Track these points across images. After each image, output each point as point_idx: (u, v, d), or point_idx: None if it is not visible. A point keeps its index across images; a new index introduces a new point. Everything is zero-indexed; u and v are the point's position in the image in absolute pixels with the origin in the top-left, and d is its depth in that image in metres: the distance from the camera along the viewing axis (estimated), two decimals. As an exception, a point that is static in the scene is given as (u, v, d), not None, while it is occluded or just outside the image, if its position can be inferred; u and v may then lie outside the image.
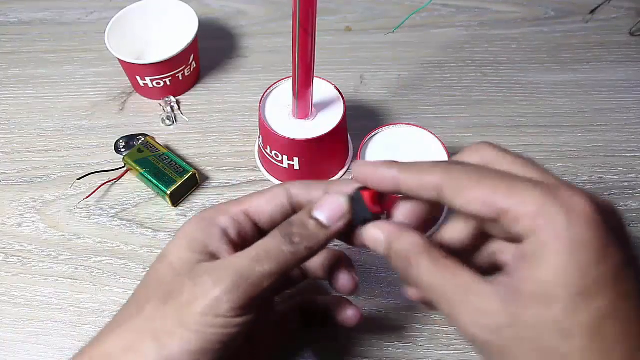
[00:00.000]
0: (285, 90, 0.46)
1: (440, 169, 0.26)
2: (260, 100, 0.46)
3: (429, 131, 0.43)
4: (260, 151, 0.50)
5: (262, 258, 0.28)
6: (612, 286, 0.22)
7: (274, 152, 0.46)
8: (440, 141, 0.43)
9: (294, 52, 0.39)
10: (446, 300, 0.25)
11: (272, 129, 0.45)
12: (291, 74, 0.41)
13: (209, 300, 0.27)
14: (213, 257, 0.30)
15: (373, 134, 0.42)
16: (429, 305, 0.28)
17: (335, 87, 0.47)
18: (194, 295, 0.28)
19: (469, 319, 0.24)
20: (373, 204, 0.29)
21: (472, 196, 0.24)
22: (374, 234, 0.28)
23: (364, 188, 0.29)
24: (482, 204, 0.24)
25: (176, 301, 0.28)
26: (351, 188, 0.29)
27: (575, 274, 0.22)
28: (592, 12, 0.63)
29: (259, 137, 0.48)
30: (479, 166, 0.26)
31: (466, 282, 0.25)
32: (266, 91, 0.47)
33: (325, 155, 0.47)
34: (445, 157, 0.41)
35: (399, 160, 0.28)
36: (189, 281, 0.28)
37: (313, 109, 0.45)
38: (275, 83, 0.47)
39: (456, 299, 0.25)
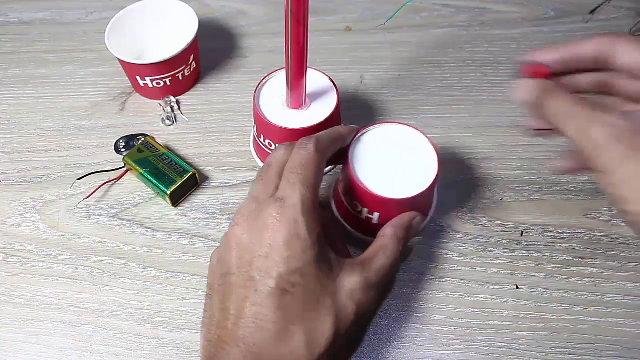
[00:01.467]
0: (280, 81, 0.47)
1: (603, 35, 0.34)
2: (255, 90, 0.46)
3: (419, 130, 0.42)
4: (254, 139, 0.50)
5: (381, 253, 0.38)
6: None
7: (267, 141, 0.47)
8: (430, 141, 0.42)
9: (286, 43, 0.39)
10: (579, 119, 0.32)
11: (265, 118, 0.45)
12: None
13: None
14: None
15: (362, 132, 0.42)
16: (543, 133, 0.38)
17: (329, 77, 0.47)
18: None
19: (599, 129, 0.30)
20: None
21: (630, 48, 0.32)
22: (526, 83, 0.35)
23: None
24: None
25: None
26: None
27: None
28: (592, 12, 0.63)
29: (254, 126, 0.49)
30: None
31: (596, 107, 0.31)
32: (261, 81, 0.47)
33: None
34: (434, 157, 0.41)
35: None
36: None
37: (307, 99, 0.45)
38: (271, 73, 0.47)
39: (588, 116, 0.31)
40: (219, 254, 0.36)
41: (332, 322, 0.33)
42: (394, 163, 0.41)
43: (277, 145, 0.39)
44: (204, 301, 0.35)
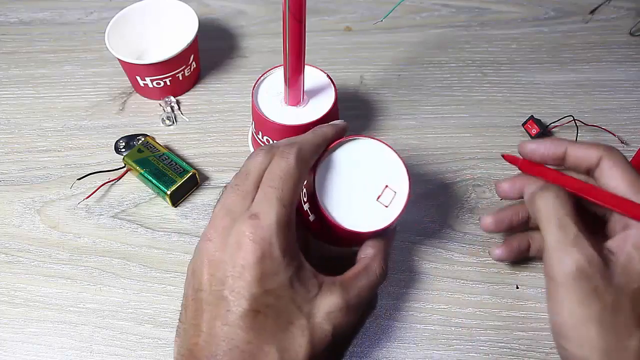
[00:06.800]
0: (278, 78, 0.47)
1: (602, 147, 0.36)
2: (253, 87, 0.46)
3: (387, 144, 0.39)
4: (252, 137, 0.50)
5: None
6: None
7: (265, 138, 0.47)
8: (399, 156, 0.39)
9: (284, 39, 0.39)
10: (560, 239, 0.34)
11: (263, 115, 0.45)
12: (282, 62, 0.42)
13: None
14: None
15: (329, 151, 0.38)
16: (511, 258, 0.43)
17: (327, 74, 0.47)
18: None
19: (569, 263, 0.33)
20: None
21: (622, 176, 0.35)
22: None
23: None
24: (627, 185, 0.35)
25: None
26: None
27: None
28: (592, 12, 0.63)
29: (252, 123, 0.49)
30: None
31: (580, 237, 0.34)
32: (259, 78, 0.47)
33: None
34: (404, 173, 0.38)
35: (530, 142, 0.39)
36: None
37: (304, 95, 0.46)
38: (269, 70, 0.48)
39: (568, 242, 0.34)
40: (193, 267, 0.34)
41: (307, 343, 0.32)
42: (361, 188, 0.38)
43: (255, 149, 0.37)
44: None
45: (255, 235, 0.32)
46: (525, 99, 0.55)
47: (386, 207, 0.37)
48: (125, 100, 0.56)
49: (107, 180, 0.49)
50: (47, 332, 0.42)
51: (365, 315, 0.42)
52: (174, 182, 0.47)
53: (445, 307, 0.43)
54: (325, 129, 0.38)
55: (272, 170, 0.34)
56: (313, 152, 0.36)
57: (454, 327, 0.42)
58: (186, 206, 0.49)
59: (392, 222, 0.37)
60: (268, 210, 0.32)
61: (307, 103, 0.46)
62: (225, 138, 0.53)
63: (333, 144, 0.38)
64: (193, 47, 0.53)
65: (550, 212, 0.35)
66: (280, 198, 0.33)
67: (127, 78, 0.56)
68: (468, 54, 0.59)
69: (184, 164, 0.48)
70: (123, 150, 0.52)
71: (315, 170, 0.37)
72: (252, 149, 0.51)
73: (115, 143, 0.52)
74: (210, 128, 0.54)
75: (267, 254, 0.32)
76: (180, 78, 0.54)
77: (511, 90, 0.56)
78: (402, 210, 0.37)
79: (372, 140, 0.39)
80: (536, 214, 0.36)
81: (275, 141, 0.46)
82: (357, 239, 0.39)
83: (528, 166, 0.40)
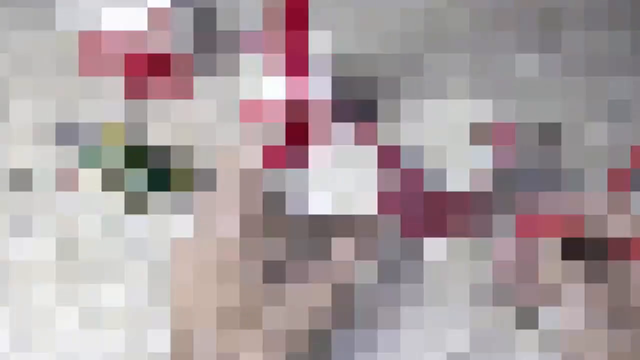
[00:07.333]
0: (278, 76, 0.47)
1: None
2: (252, 86, 0.46)
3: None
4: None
5: None
6: None
7: None
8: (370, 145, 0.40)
9: (285, 41, 0.39)
10: None
11: (261, 112, 0.45)
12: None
13: None
14: None
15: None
16: None
17: (327, 70, 0.47)
18: None
19: None
20: None
21: None
22: None
23: None
24: None
25: None
26: None
27: None
28: (593, 12, 0.62)
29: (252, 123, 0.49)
30: None
31: None
32: (257, 77, 0.47)
33: None
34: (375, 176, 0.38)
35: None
36: None
37: (304, 91, 0.45)
38: (268, 69, 0.47)
39: None
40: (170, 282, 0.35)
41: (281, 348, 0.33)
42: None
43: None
44: None
45: (211, 258, 0.34)
46: (526, 99, 0.55)
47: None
48: (124, 99, 0.56)
49: (106, 180, 0.49)
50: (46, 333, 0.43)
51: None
52: (173, 181, 0.47)
53: (445, 306, 0.43)
54: None
55: (225, 189, 0.36)
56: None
57: (453, 325, 0.42)
58: (185, 206, 0.49)
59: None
60: (222, 232, 0.34)
61: (303, 97, 0.46)
62: (224, 137, 0.53)
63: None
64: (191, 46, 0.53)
65: None
66: (233, 216, 0.34)
67: (126, 78, 0.56)
68: (469, 53, 0.59)
69: (181, 162, 0.48)
70: (120, 149, 0.51)
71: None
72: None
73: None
74: (210, 127, 0.54)
75: (218, 274, 0.33)
76: (177, 77, 0.54)
77: (511, 90, 0.56)
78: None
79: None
80: None
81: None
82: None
83: None
